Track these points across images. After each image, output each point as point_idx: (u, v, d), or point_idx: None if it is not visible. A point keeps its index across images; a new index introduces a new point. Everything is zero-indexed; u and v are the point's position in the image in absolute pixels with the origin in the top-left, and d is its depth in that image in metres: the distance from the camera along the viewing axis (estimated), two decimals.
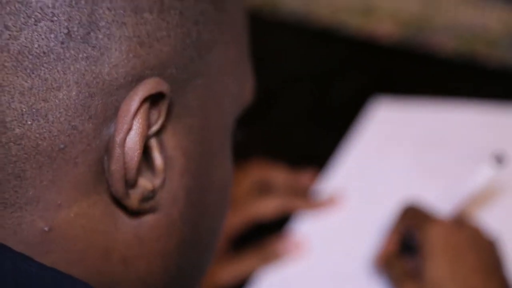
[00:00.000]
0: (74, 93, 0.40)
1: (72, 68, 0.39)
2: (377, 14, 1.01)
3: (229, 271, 0.80)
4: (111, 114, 0.41)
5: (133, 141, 0.41)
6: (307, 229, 0.83)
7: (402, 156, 0.87)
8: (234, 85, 0.50)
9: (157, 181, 0.43)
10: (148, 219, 0.44)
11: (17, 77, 0.39)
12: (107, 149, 0.41)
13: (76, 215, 0.42)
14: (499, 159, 0.68)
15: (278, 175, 0.86)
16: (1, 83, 0.38)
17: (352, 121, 0.92)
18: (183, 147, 0.45)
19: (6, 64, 0.38)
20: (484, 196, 0.79)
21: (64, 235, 0.42)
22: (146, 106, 0.41)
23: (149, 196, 0.43)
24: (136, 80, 0.41)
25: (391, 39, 1.00)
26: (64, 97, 0.39)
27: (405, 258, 0.73)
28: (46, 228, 0.41)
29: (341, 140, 0.91)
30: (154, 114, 0.43)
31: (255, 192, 0.85)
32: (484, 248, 0.70)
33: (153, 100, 0.42)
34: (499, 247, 0.71)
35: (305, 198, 0.85)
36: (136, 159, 0.41)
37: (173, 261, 0.47)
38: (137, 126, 0.41)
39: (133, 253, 0.44)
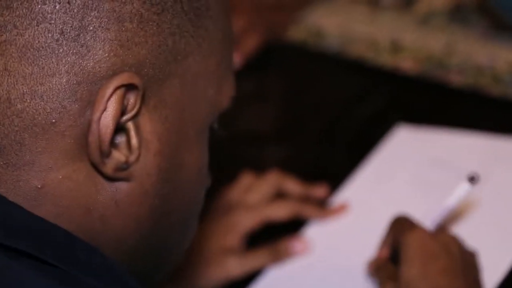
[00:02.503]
0: (64, 80, 0.50)
1: (64, 61, 0.50)
2: (403, 52, 1.12)
3: (242, 265, 0.87)
4: (93, 98, 0.51)
5: (106, 119, 0.51)
6: (315, 233, 0.90)
7: (411, 178, 0.95)
8: (210, 90, 0.59)
9: (132, 157, 0.53)
10: (124, 186, 0.54)
11: (21, 64, 0.50)
12: (89, 125, 0.51)
13: (64, 177, 0.52)
14: (472, 179, 0.77)
15: (293, 186, 0.92)
16: (8, 69, 0.50)
17: (371, 144, 0.99)
18: (158, 133, 0.55)
19: (13, 54, 0.50)
20: (461, 211, 0.87)
21: (53, 192, 0.52)
22: (119, 93, 0.51)
23: (123, 167, 0.53)
24: (115, 73, 0.51)
25: (412, 72, 1.09)
26: (57, 82, 0.50)
27: (393, 265, 0.77)
28: (39, 186, 0.52)
29: (357, 161, 0.97)
30: (130, 101, 0.52)
31: (271, 198, 0.91)
32: (455, 252, 0.74)
33: (128, 90, 0.52)
34: (471, 253, 0.75)
35: (316, 207, 0.91)
36: (108, 133, 0.51)
37: (145, 225, 0.57)
38: (111, 108, 0.51)
39: (110, 213, 0.54)
